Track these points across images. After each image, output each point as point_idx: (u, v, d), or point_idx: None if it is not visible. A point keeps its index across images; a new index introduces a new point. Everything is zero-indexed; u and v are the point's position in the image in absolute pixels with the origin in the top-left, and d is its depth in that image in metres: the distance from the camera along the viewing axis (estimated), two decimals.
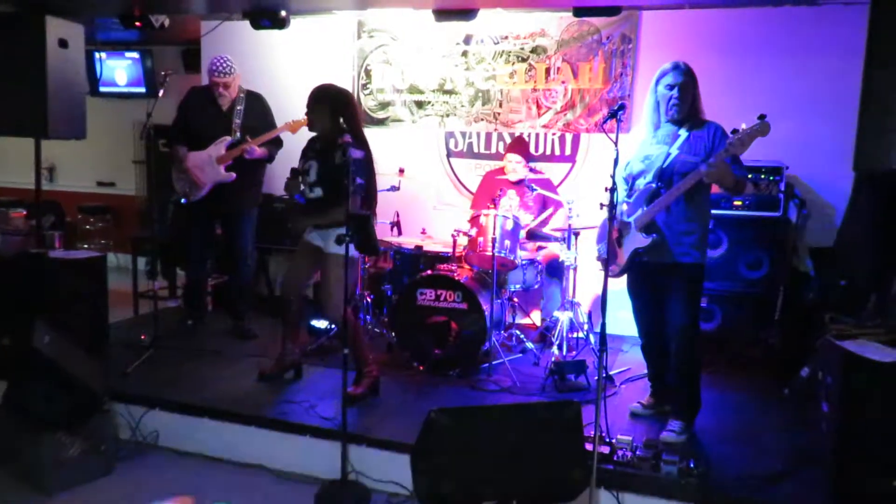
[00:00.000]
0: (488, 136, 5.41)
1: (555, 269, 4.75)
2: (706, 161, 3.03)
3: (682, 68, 3.17)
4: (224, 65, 4.44)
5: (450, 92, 5.43)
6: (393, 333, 4.38)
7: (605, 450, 2.92)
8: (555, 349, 4.31)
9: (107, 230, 7.44)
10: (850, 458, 2.75)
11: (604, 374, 2.86)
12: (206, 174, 4.45)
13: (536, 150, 5.26)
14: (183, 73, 6.51)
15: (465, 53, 5.34)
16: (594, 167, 5.05)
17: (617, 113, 2.89)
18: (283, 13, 4.73)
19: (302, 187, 3.61)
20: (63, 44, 4.23)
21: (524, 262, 4.38)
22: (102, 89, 6.84)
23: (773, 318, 4.23)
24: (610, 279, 2.95)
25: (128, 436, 3.54)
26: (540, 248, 4.72)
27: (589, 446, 2.68)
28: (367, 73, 5.62)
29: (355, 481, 3.12)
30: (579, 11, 4.56)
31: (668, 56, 3.42)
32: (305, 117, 3.73)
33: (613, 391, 3.90)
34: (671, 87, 3.17)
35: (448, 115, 5.46)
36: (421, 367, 4.12)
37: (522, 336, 4.57)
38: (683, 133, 3.19)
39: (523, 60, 5.21)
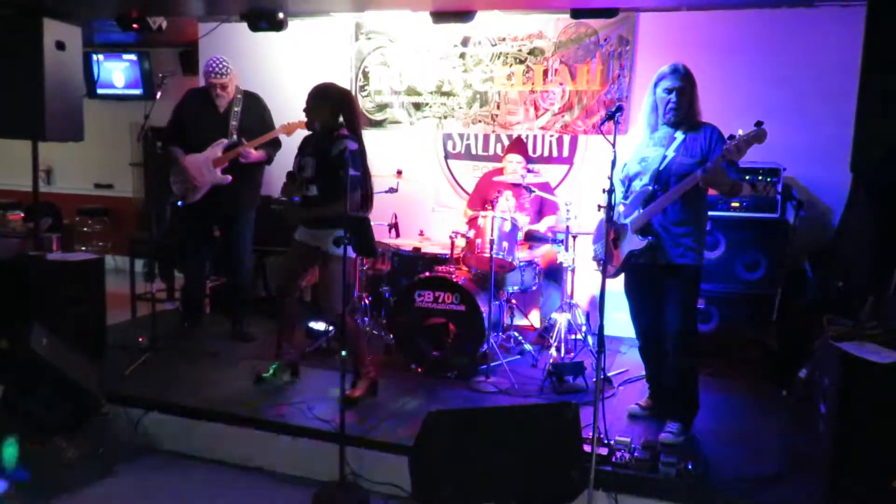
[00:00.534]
0: (486, 137, 5.41)
1: (554, 273, 4.75)
2: (702, 165, 3.03)
3: (680, 72, 3.16)
4: (220, 66, 4.43)
5: (447, 94, 5.43)
6: (391, 335, 4.37)
7: (604, 451, 2.92)
8: (553, 351, 4.31)
9: (104, 232, 7.42)
10: (848, 458, 2.75)
11: (602, 376, 2.87)
12: (203, 176, 4.45)
13: (534, 152, 5.26)
14: (180, 75, 6.50)
15: (462, 55, 5.35)
16: (592, 169, 5.05)
17: (614, 115, 2.89)
18: (281, 15, 4.74)
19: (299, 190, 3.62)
20: (60, 46, 4.23)
21: (522, 264, 4.39)
22: (100, 91, 6.85)
23: (771, 319, 4.23)
24: (608, 280, 2.95)
25: (126, 438, 3.52)
26: (532, 247, 4.71)
27: (587, 448, 2.69)
28: (365, 74, 5.62)
29: (353, 483, 3.12)
30: (577, 13, 4.58)
31: (665, 58, 3.42)
32: (303, 118, 3.73)
33: (611, 393, 3.90)
34: (669, 91, 3.17)
35: (446, 117, 5.46)
36: (419, 369, 4.12)
37: (521, 338, 4.57)
38: (680, 135, 3.19)
39: (521, 62, 5.21)
